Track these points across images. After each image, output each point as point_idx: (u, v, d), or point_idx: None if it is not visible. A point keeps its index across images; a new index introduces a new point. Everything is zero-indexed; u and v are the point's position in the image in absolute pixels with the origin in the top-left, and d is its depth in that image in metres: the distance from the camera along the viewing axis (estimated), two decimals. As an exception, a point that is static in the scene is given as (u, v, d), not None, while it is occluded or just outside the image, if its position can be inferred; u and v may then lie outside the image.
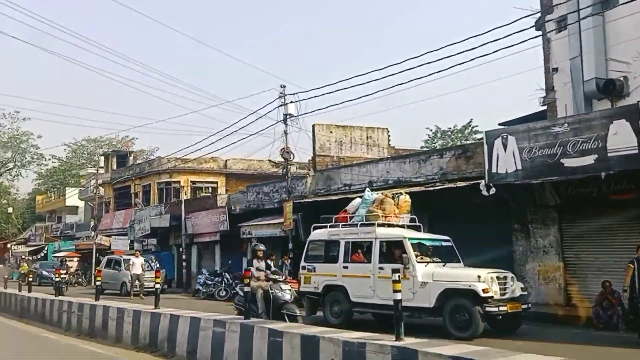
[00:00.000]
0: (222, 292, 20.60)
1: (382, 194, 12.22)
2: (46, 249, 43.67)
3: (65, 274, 32.04)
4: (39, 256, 43.33)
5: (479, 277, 9.90)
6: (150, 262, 24.74)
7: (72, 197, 49.93)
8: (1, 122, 67.42)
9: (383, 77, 13.04)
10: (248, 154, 48.18)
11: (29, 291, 15.40)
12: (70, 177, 64.49)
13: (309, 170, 21.40)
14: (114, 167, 38.49)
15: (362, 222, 11.82)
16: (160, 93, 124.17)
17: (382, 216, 11.67)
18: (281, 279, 10.49)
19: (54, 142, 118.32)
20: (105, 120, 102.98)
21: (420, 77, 12.75)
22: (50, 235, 46.29)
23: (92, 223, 35.25)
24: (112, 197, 37.99)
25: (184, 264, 26.54)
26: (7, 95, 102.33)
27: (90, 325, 10.85)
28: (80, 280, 32.73)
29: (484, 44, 10.86)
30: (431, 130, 44.55)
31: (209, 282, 21.39)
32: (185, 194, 29.98)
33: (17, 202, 67.59)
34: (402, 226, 11.92)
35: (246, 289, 8.39)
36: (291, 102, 19.53)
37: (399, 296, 6.66)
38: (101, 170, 42.95)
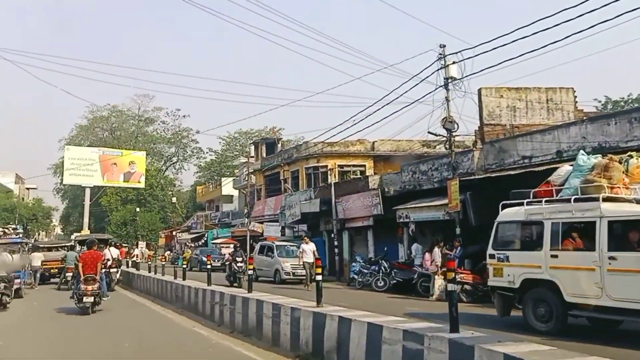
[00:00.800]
0: (380, 282, 18.43)
1: (607, 157, 8.90)
2: (206, 236, 45.44)
3: (226, 261, 32.71)
4: (199, 243, 45.24)
5: None
6: (302, 248, 23.50)
7: (227, 187, 51.64)
8: (165, 120, 73.16)
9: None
10: (394, 134, 45.74)
11: (183, 278, 14.52)
12: (225, 168, 67.51)
13: (476, 142, 18.25)
14: (264, 154, 38.35)
15: (577, 197, 8.71)
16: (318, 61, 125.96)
17: (607, 187, 8.46)
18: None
19: (210, 137, 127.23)
20: (254, 112, 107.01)
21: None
22: (210, 223, 48.21)
23: (245, 210, 35.32)
24: (263, 185, 37.95)
25: (336, 250, 24.95)
26: (169, 93, 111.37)
27: (243, 322, 9.22)
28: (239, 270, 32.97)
29: None
30: (600, 102, 38.34)
31: (365, 271, 19.34)
32: (334, 177, 28.42)
33: (181, 193, 72.55)
34: (635, 200, 8.60)
35: (451, 287, 5.81)
36: (453, 62, 16.57)
37: None
38: (252, 160, 43.52)
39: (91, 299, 12.66)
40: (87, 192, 41.59)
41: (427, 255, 16.01)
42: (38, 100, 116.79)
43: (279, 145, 38.18)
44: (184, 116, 72.55)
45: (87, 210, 41.70)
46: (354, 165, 32.03)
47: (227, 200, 54.12)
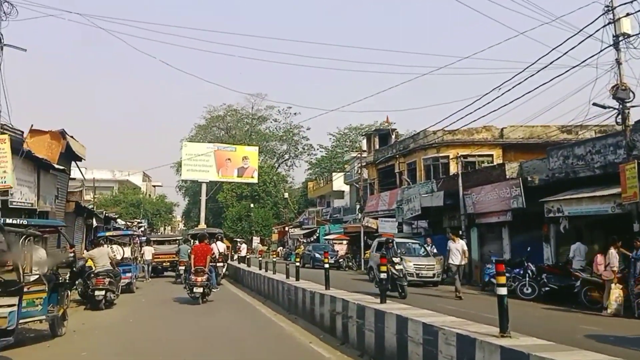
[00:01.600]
0: (527, 289, 15.09)
1: None
2: (317, 231, 43.92)
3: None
4: (311, 239, 43.83)
5: None
6: (427, 246, 20.70)
7: (338, 182, 49.91)
8: (277, 118, 73.46)
9: None
10: (526, 119, 40.78)
11: (297, 279, 12.40)
12: (336, 164, 66.04)
13: (658, 115, 14.21)
14: (377, 147, 35.80)
15: None
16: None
17: None
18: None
19: (321, 133, 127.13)
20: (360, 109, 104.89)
21: None
22: (321, 219, 46.69)
23: (358, 205, 33.05)
24: (376, 179, 35.43)
25: (465, 249, 21.75)
26: (278, 90, 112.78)
27: (377, 344, 6.75)
28: (350, 264, 30.79)
29: None
30: None
31: (506, 275, 16.01)
32: (458, 168, 25.15)
33: (293, 190, 72.31)
34: None
35: None
36: (627, 15, 12.85)
37: None
38: (364, 153, 41.27)
39: (200, 290, 13.26)
40: (204, 187, 41.84)
41: (599, 257, 12.45)
42: (165, 101, 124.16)
43: (393, 136, 35.39)
44: (294, 114, 72.44)
45: (203, 205, 41.99)
46: (479, 155, 28.39)
47: (337, 196, 52.42)
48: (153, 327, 10.13)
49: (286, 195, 55.25)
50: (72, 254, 9.18)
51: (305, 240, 43.88)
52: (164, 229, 69.73)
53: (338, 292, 9.38)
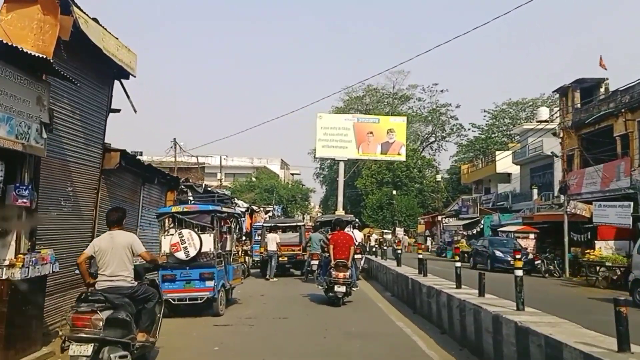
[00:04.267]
0: None
1: None
2: (482, 222, 33.94)
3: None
4: (474, 231, 34.04)
5: None
6: None
7: (502, 163, 39.26)
8: (421, 97, 63.87)
9: None
10: None
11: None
12: (493, 144, 54.80)
13: None
14: (577, 105, 24.92)
15: None
16: None
17: None
18: None
19: (473, 110, 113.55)
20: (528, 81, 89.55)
21: None
22: (484, 207, 36.53)
23: (560, 186, 22.79)
24: (578, 149, 24.60)
25: None
26: (424, 68, 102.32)
27: None
28: (551, 267, 20.71)
29: None
30: None
31: None
32: None
33: (442, 174, 62.42)
34: None
35: None
36: None
37: None
38: (553, 119, 30.34)
39: (343, 289, 10.72)
40: (341, 166, 34.12)
41: None
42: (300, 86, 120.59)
43: (601, 89, 24.26)
44: (441, 91, 62.24)
45: (341, 188, 34.28)
46: None
47: (502, 180, 41.62)
48: None
49: (439, 177, 45.54)
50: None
51: (465, 233, 34.19)
52: (303, 218, 64.37)
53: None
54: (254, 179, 58.57)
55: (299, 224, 19.93)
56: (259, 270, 19.10)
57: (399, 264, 13.98)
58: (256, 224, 23.31)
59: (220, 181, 40.63)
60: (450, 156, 61.56)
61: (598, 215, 20.27)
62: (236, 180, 60.69)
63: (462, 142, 60.20)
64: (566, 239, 20.97)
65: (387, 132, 33.44)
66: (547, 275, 20.13)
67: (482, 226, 33.98)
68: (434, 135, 63.21)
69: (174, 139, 34.18)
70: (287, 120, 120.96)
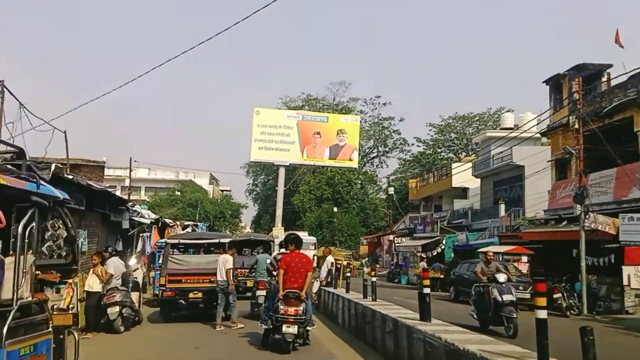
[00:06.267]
0: None
1: None
2: (443, 242, 28.38)
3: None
4: (434, 253, 28.39)
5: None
6: None
7: (457, 176, 34.39)
8: (363, 110, 58.97)
9: None
10: None
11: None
12: (439, 160, 50.52)
13: None
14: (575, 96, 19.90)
15: None
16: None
17: None
18: None
19: (417, 125, 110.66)
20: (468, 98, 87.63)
21: None
22: (444, 226, 31.12)
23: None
24: (579, 151, 19.46)
25: None
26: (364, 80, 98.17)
27: None
28: (571, 302, 15.03)
29: None
30: None
31: None
32: None
33: (381, 191, 57.35)
34: None
35: None
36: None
37: None
38: (542, 116, 25.58)
39: (294, 329, 7.98)
40: (282, 173, 27.43)
41: None
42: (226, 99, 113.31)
43: (605, 78, 19.47)
44: (384, 104, 57.63)
45: (280, 197, 27.55)
46: None
47: (457, 195, 36.76)
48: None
49: (391, 191, 39.84)
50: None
51: (424, 255, 28.46)
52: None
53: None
54: (177, 193, 50.55)
55: (221, 239, 13.01)
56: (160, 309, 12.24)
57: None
58: (159, 241, 16.17)
59: (129, 194, 32.39)
60: (392, 172, 56.73)
61: (627, 232, 15.03)
62: (156, 195, 52.32)
63: (405, 157, 55.61)
64: (583, 264, 15.50)
65: (337, 133, 27.32)
66: (569, 312, 14.47)
67: (442, 247, 28.43)
68: (375, 149, 58.21)
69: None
70: (217, 135, 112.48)
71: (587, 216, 15.38)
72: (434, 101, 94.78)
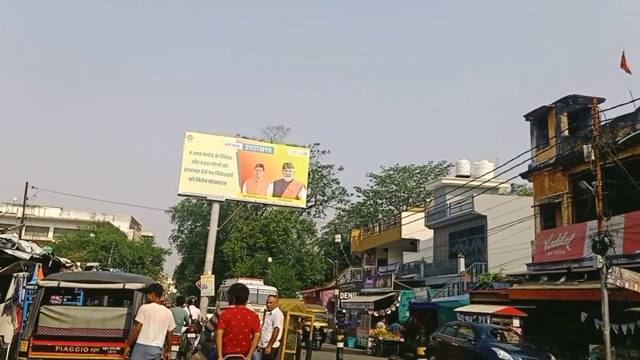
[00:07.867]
0: None
1: None
2: (398, 299, 24.25)
3: None
4: (388, 311, 24.13)
5: None
6: None
7: (405, 227, 30.98)
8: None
9: None
10: None
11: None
12: (378, 212, 47.41)
13: None
14: (565, 132, 17.17)
15: None
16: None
17: None
18: None
19: (356, 174, 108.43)
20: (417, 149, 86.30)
21: None
22: (399, 281, 27.06)
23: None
24: (567, 197, 16.39)
25: None
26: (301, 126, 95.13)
27: None
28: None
29: None
30: None
31: None
32: None
33: (319, 241, 53.06)
34: None
35: None
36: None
37: None
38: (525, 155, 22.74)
39: None
40: (215, 209, 22.37)
41: None
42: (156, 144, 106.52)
43: (598, 110, 16.84)
44: (323, 152, 54.57)
45: (213, 238, 22.29)
46: None
47: (405, 248, 33.21)
48: None
49: (338, 238, 35.49)
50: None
51: (377, 314, 24.12)
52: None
53: None
54: (92, 235, 43.27)
55: (128, 284, 8.05)
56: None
57: None
58: (30, 282, 10.74)
59: (21, 227, 25.80)
60: (328, 224, 52.88)
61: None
62: (64, 236, 44.67)
63: (344, 207, 52.11)
64: (607, 332, 11.87)
65: (284, 167, 23.02)
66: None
67: (397, 305, 24.29)
68: (313, 198, 54.30)
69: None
70: (141, 178, 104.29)
71: (612, 270, 11.88)
72: (375, 153, 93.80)
